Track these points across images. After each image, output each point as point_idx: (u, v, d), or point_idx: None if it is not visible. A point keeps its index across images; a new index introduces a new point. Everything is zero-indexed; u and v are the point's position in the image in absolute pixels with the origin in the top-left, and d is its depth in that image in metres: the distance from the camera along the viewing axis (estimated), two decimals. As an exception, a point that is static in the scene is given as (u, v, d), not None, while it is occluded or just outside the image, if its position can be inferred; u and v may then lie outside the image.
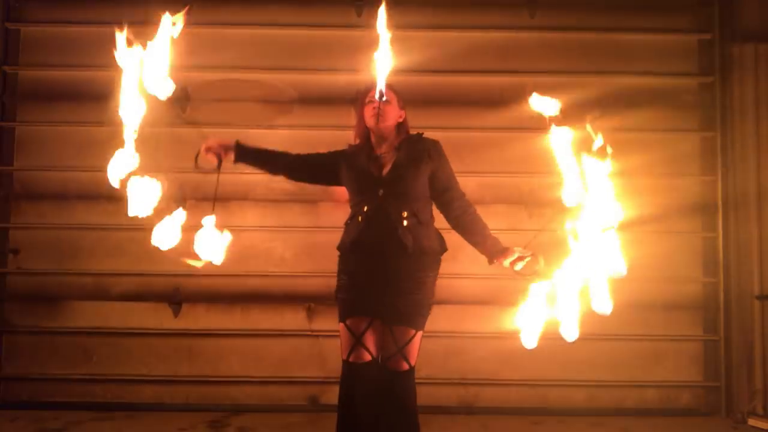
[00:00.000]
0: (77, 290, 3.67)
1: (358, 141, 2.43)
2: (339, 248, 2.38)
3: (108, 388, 3.63)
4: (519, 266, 2.27)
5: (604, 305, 2.07)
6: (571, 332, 2.12)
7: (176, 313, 3.67)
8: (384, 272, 2.23)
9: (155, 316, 3.66)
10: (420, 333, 2.29)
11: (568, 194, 2.12)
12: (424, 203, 2.32)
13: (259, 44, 3.77)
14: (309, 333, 3.62)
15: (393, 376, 2.25)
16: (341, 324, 2.30)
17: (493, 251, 2.31)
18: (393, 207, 2.24)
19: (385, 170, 2.29)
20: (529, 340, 2.18)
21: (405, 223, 2.23)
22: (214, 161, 2.39)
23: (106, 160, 2.22)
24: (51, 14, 3.77)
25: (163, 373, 3.63)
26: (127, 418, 3.44)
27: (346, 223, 2.36)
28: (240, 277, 3.66)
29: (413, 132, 2.42)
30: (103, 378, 3.62)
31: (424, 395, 3.52)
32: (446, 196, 2.36)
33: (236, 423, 3.38)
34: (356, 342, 2.25)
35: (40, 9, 3.78)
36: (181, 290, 3.66)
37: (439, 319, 3.63)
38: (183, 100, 3.69)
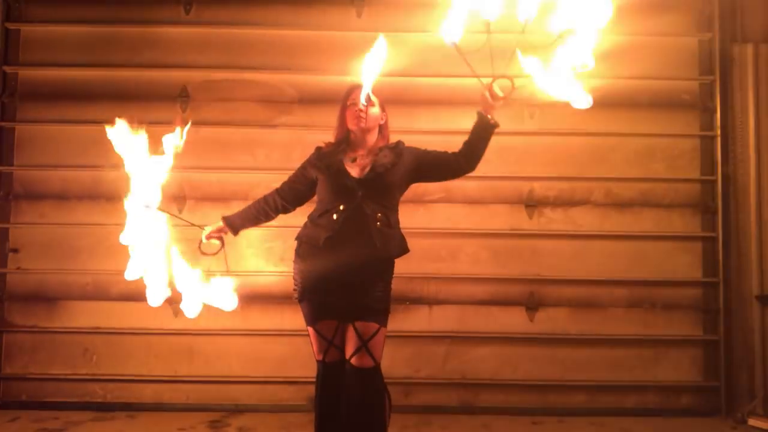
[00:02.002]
0: (77, 290, 3.67)
1: (335, 141, 2.44)
2: (303, 240, 2.36)
3: (108, 388, 3.63)
4: (499, 92, 2.24)
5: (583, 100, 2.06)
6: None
7: (176, 313, 3.66)
8: (353, 271, 2.24)
9: (155, 316, 3.64)
10: (384, 330, 2.30)
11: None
12: (393, 207, 2.36)
13: (259, 44, 3.77)
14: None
15: (358, 374, 2.25)
16: (310, 327, 2.34)
17: (482, 115, 2.30)
18: (369, 209, 2.26)
19: (364, 172, 2.30)
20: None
21: (378, 224, 2.26)
22: (217, 245, 2.46)
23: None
24: (51, 14, 3.76)
25: (163, 373, 3.62)
26: (127, 418, 3.44)
27: (312, 218, 2.36)
28: (240, 277, 3.64)
29: (393, 136, 2.45)
30: (103, 378, 3.62)
31: (424, 395, 3.57)
32: (443, 158, 2.38)
33: (236, 423, 3.38)
34: (329, 345, 2.30)
35: (40, 9, 3.78)
36: (181, 290, 3.66)
37: (439, 319, 3.66)
38: (183, 101, 3.70)
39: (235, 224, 2.47)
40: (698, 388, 3.66)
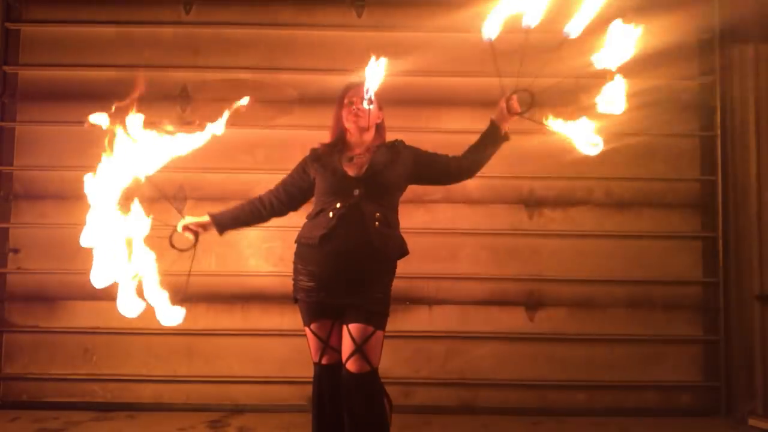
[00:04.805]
0: (77, 290, 3.66)
1: (330, 140, 2.40)
2: (301, 242, 2.32)
3: (108, 388, 3.63)
4: (515, 105, 2.28)
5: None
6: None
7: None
8: (349, 271, 2.20)
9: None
10: (381, 333, 2.22)
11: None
12: (393, 208, 2.32)
13: (259, 44, 3.77)
14: (309, 333, 3.62)
15: (355, 379, 2.17)
16: (306, 328, 2.31)
17: (495, 125, 2.34)
18: (367, 208, 2.22)
19: (362, 171, 2.26)
20: None
21: (376, 224, 2.21)
22: (191, 240, 2.35)
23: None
24: (51, 14, 3.77)
25: (163, 373, 3.63)
26: (127, 418, 3.44)
27: (309, 217, 2.33)
28: (240, 277, 3.66)
29: (390, 135, 2.43)
30: (103, 378, 3.62)
31: (424, 395, 3.57)
32: (440, 161, 2.38)
33: (236, 423, 3.39)
34: (325, 346, 2.27)
35: (40, 9, 3.78)
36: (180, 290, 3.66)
37: (439, 319, 3.66)
38: (183, 100, 3.70)
39: (223, 222, 2.39)
40: (698, 388, 3.66)
